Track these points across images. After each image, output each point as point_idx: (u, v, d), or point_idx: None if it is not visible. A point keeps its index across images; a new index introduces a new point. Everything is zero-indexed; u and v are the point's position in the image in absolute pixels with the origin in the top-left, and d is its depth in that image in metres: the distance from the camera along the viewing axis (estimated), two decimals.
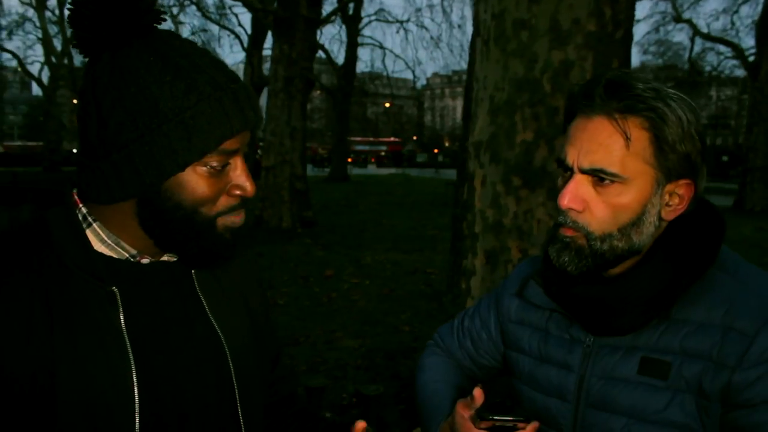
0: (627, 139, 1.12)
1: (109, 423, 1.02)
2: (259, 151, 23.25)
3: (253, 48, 26.42)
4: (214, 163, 1.06)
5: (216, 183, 1.08)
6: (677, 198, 1.18)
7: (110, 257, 1.11)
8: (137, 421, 1.04)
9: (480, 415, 1.23)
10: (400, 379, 5.08)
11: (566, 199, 1.17)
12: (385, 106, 69.06)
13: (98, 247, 1.10)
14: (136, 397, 1.04)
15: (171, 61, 1.03)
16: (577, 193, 1.17)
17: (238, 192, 1.11)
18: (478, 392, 1.22)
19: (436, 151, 77.47)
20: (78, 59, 39.52)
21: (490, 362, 1.54)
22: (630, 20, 3.84)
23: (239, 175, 1.10)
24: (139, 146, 1.02)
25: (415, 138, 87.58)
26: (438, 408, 1.44)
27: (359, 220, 17.58)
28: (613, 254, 1.18)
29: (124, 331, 1.06)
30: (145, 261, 1.14)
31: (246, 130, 1.09)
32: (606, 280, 1.24)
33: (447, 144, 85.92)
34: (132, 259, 1.12)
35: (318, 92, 37.05)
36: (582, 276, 1.22)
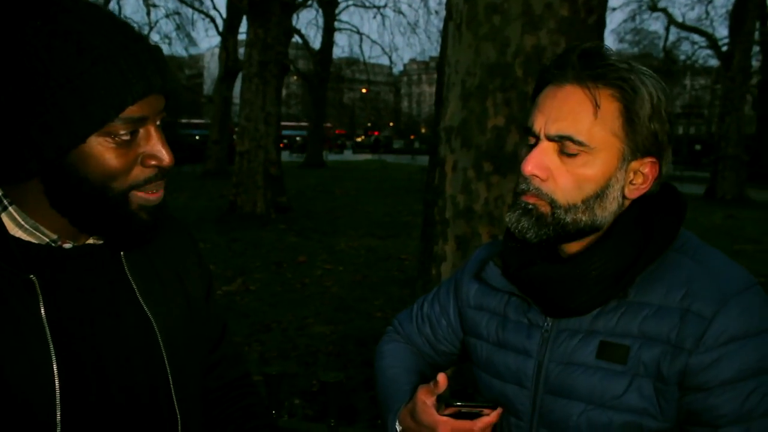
0: (597, 106, 1.10)
1: (29, 416, 0.97)
2: (234, 135, 23.06)
3: (228, 32, 26.09)
4: (121, 132, 0.97)
5: (125, 153, 1.00)
6: (641, 176, 1.16)
7: (29, 242, 1.03)
8: (58, 414, 0.99)
9: (444, 401, 1.20)
10: (370, 366, 5.05)
11: (530, 166, 1.14)
12: (361, 92, 68.81)
13: (15, 232, 1.03)
14: (57, 390, 0.99)
15: (61, 24, 0.94)
16: (541, 161, 1.14)
17: (153, 162, 1.03)
18: (442, 378, 1.19)
19: (412, 137, 77.51)
20: None
21: (450, 348, 1.51)
22: (603, 6, 3.82)
23: (153, 144, 1.02)
24: (33, 118, 0.93)
25: (391, 124, 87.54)
26: (397, 394, 1.41)
27: (334, 206, 17.52)
28: (575, 227, 1.16)
29: (44, 321, 0.99)
30: (67, 245, 1.07)
31: (151, 95, 1.00)
32: (564, 259, 1.22)
33: (423, 130, 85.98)
34: (53, 244, 1.05)
35: (294, 78, 36.81)
36: (540, 255, 1.21)
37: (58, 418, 0.98)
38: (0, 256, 0.98)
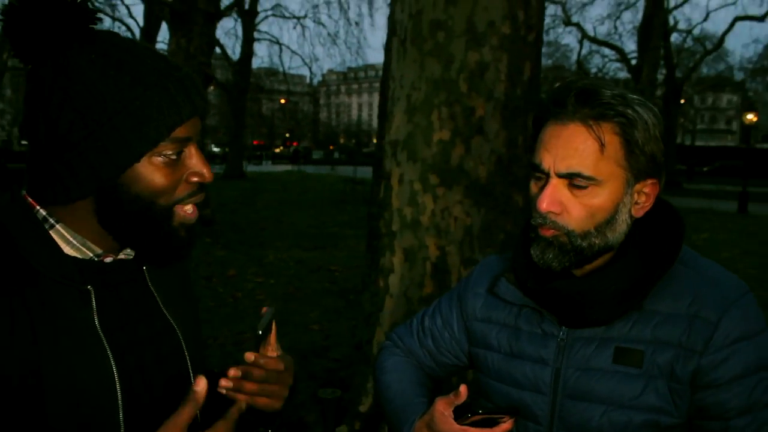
0: (602, 144, 1.19)
1: (96, 416, 1.05)
2: None
3: (145, 41, 25.54)
4: (169, 152, 1.07)
5: (172, 173, 1.09)
6: (644, 196, 1.27)
7: (75, 257, 1.11)
8: (121, 414, 1.07)
9: (469, 410, 1.24)
10: (315, 378, 5.05)
11: (545, 203, 1.23)
12: (280, 103, 68.37)
13: (64, 248, 1.10)
14: (119, 393, 1.07)
15: (113, 57, 1.04)
16: (554, 197, 1.23)
17: (196, 179, 1.12)
18: (463, 389, 1.25)
19: (331, 147, 77.53)
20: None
21: (452, 360, 1.58)
22: (541, 23, 3.98)
23: (196, 162, 1.11)
24: (92, 142, 1.02)
25: (310, 135, 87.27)
26: (408, 407, 1.46)
27: (259, 218, 17.34)
28: (591, 250, 1.26)
29: (99, 331, 1.08)
30: (108, 260, 1.14)
31: (195, 117, 1.10)
32: (581, 276, 1.32)
33: (342, 140, 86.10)
34: (96, 258, 1.13)
35: (212, 88, 36.31)
36: (556, 272, 1.29)
37: (121, 417, 1.08)
38: (58, 272, 1.05)
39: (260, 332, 1.15)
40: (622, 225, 1.26)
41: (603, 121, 1.19)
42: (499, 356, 1.43)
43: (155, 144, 1.04)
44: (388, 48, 4.14)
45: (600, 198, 1.22)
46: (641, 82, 21.91)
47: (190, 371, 1.22)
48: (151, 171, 1.06)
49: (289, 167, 53.53)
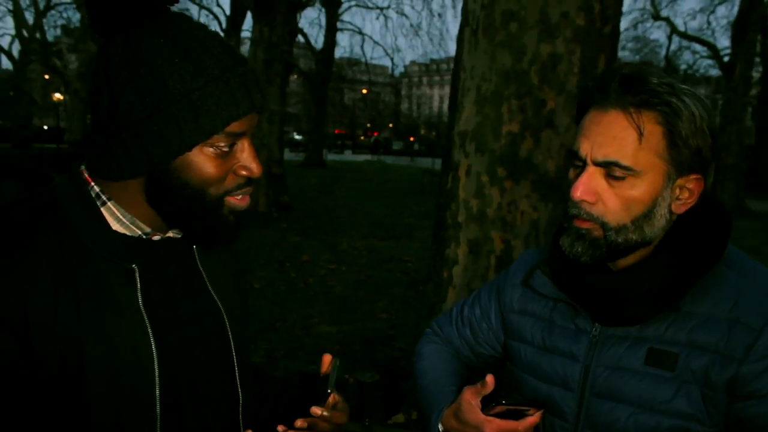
0: (641, 133, 1.14)
1: (132, 395, 1.07)
2: None
3: (231, 30, 26.05)
4: (222, 144, 1.09)
5: (223, 164, 1.11)
6: (687, 192, 1.20)
7: (124, 235, 1.14)
8: (157, 391, 1.10)
9: (493, 400, 1.24)
10: (377, 366, 5.10)
11: (579, 191, 1.19)
12: (362, 93, 68.80)
13: (113, 225, 1.13)
14: (156, 370, 1.09)
15: (181, 43, 1.06)
16: (589, 185, 1.18)
17: (244, 173, 1.14)
18: (490, 379, 1.24)
19: (411, 139, 77.48)
20: (51, 34, 38.80)
21: (489, 351, 1.56)
22: (617, 16, 3.87)
23: (246, 156, 1.13)
24: (149, 125, 1.05)
25: (391, 125, 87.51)
26: (438, 395, 1.46)
27: (335, 206, 17.56)
28: (626, 245, 1.21)
29: (142, 308, 1.10)
30: (156, 238, 1.18)
31: (253, 113, 1.11)
32: (616, 271, 1.26)
33: (423, 132, 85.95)
34: (144, 237, 1.16)
35: (295, 76, 36.80)
36: (592, 266, 1.25)
37: (158, 393, 1.10)
38: (106, 248, 1.09)
39: (329, 390, 1.21)
40: (660, 220, 1.19)
41: (645, 109, 1.14)
42: (532, 349, 1.40)
43: (209, 136, 1.07)
44: (460, 39, 4.12)
45: (637, 190, 1.17)
46: (734, 80, 20.93)
47: (233, 349, 1.24)
48: (202, 160, 1.09)
49: (369, 157, 53.91)
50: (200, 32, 1.09)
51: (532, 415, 1.25)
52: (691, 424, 1.18)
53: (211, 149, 1.09)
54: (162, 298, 1.15)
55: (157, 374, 1.09)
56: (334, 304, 7.62)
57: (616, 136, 1.15)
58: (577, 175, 1.21)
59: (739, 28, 21.44)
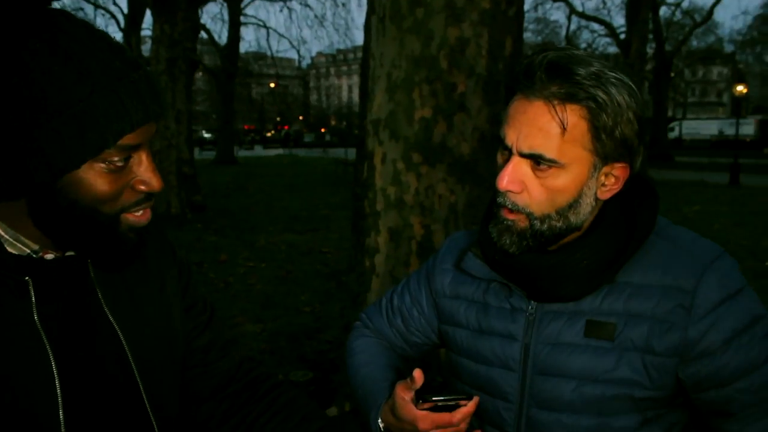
0: (564, 128, 1.13)
1: (35, 412, 0.98)
2: None
3: (130, 29, 25.26)
4: (115, 159, 0.97)
5: (117, 180, 1.00)
6: (613, 178, 1.21)
7: (11, 253, 1.02)
8: (61, 413, 1.00)
9: (421, 396, 1.22)
10: (305, 361, 5.05)
11: (504, 181, 1.18)
12: (270, 87, 67.97)
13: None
14: (58, 387, 1.00)
15: (60, 47, 0.92)
16: (515, 176, 1.18)
17: (143, 187, 1.03)
18: (417, 373, 1.22)
19: (323, 130, 77.22)
20: None
21: (421, 339, 1.55)
22: None
23: (144, 170, 1.02)
24: (27, 143, 0.91)
25: (301, 118, 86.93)
26: (374, 391, 1.43)
27: (250, 203, 17.31)
28: (551, 232, 1.21)
29: (38, 323, 1.00)
30: (49, 256, 1.06)
31: (148, 123, 1.00)
32: (550, 251, 1.26)
33: (334, 123, 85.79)
34: (34, 255, 1.05)
35: (200, 74, 36.02)
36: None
37: (61, 417, 1.00)
38: None
39: None
40: (586, 208, 1.20)
41: (570, 102, 1.13)
42: (468, 333, 1.39)
43: (99, 152, 0.95)
44: (367, 27, 4.11)
45: (562, 180, 1.17)
46: (630, 57, 21.77)
47: (138, 379, 1.12)
48: (93, 177, 0.97)
49: (280, 151, 53.40)
50: (85, 34, 0.96)
51: (464, 406, 1.23)
52: (634, 390, 1.20)
53: (102, 165, 0.97)
54: (57, 318, 1.04)
55: (59, 394, 1.00)
56: (256, 302, 7.51)
57: (542, 128, 1.14)
58: (505, 161, 1.20)
59: (632, 7, 22.29)
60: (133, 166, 1.02)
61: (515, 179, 1.18)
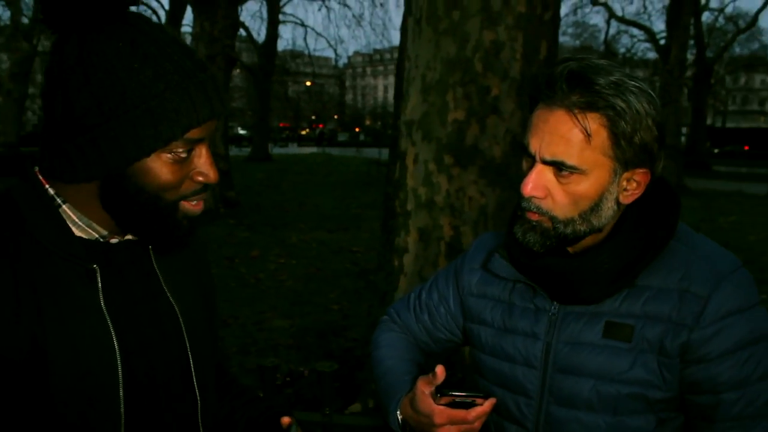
0: (587, 135, 1.18)
1: (97, 395, 1.07)
2: None
3: (171, 25, 25.58)
4: (180, 150, 1.08)
5: (180, 170, 1.10)
6: (634, 183, 1.25)
7: (81, 237, 1.12)
8: (121, 392, 1.10)
9: (440, 391, 1.27)
10: (332, 357, 5.10)
11: (528, 188, 1.24)
12: (306, 85, 68.34)
13: (71, 227, 1.11)
14: (120, 370, 1.09)
15: (140, 48, 1.04)
16: (538, 182, 1.23)
17: (200, 178, 1.13)
18: (440, 369, 1.27)
19: (357, 129, 77.44)
20: None
21: (447, 336, 1.59)
22: (557, 2, 3.94)
23: (203, 162, 1.12)
24: (105, 131, 1.03)
25: (336, 117, 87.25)
26: (395, 384, 1.48)
27: (283, 200, 17.46)
28: (574, 235, 1.26)
29: (104, 308, 1.09)
30: (114, 241, 1.16)
31: (212, 120, 1.10)
32: (573, 254, 1.32)
33: (368, 123, 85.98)
34: (101, 240, 1.15)
35: (238, 71, 36.36)
36: (548, 250, 1.29)
37: (122, 394, 1.10)
38: (66, 250, 1.08)
39: None
40: (608, 212, 1.25)
41: (590, 111, 1.17)
42: (492, 331, 1.44)
43: (168, 143, 1.05)
44: (403, 28, 4.13)
45: (584, 186, 1.21)
46: (670, 63, 21.49)
47: (189, 352, 1.23)
48: (159, 166, 1.07)
49: (314, 149, 53.66)
50: (160, 36, 1.07)
51: (481, 404, 1.28)
52: (649, 390, 1.25)
53: (168, 155, 1.07)
54: (122, 300, 1.14)
55: (120, 374, 1.09)
56: (285, 298, 7.59)
57: (563, 136, 1.19)
58: (529, 168, 1.25)
59: (673, 12, 21.99)
60: (194, 158, 1.12)
61: (539, 185, 1.23)
